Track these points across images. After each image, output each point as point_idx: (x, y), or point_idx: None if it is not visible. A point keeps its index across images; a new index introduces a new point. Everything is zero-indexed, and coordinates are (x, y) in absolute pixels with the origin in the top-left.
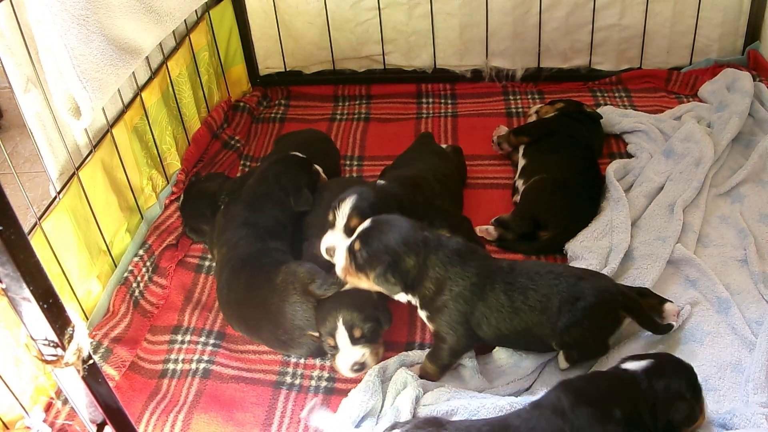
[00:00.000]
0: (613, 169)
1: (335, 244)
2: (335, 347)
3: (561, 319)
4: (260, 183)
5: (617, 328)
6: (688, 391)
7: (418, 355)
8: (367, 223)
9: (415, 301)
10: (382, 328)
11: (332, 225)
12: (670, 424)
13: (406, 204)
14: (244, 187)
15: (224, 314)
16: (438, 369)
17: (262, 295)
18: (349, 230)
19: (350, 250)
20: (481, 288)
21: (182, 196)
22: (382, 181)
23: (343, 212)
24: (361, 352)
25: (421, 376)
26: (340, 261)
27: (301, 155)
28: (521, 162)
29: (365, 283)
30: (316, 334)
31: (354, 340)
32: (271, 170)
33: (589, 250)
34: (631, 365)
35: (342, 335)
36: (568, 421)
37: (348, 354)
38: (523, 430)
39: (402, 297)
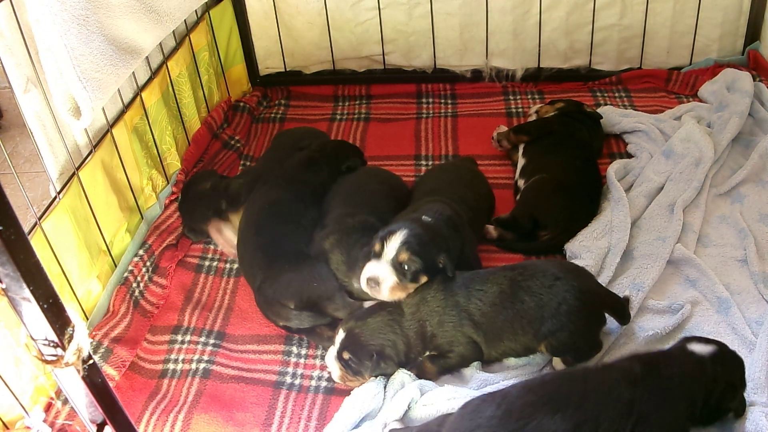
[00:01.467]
0: (614, 170)
1: (380, 274)
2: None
3: (544, 325)
4: (320, 149)
5: (603, 326)
6: (743, 382)
7: None
8: (341, 333)
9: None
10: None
11: (378, 255)
12: (719, 410)
13: (452, 245)
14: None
15: (238, 249)
16: (437, 371)
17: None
18: (396, 264)
19: (340, 359)
20: (456, 303)
21: (180, 195)
22: (427, 218)
23: (393, 245)
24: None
25: (418, 375)
26: (335, 372)
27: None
28: (521, 161)
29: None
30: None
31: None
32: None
33: (588, 249)
34: (699, 348)
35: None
36: (638, 390)
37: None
38: (591, 385)
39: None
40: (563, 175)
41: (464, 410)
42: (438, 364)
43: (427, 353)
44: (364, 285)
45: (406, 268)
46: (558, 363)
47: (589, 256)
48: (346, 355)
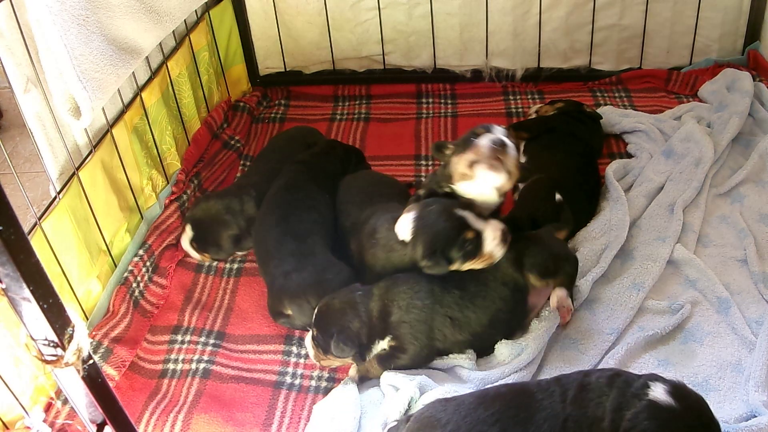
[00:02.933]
0: (612, 170)
1: (507, 139)
2: (478, 239)
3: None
4: (328, 147)
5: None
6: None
7: None
8: (315, 311)
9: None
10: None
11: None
12: None
13: None
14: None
15: (257, 230)
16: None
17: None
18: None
19: (313, 337)
20: (430, 295)
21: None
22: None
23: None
24: (494, 222)
25: (361, 376)
26: (310, 351)
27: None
28: (521, 160)
29: (338, 362)
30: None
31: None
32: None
33: (586, 249)
34: (655, 389)
35: (471, 217)
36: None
37: (491, 230)
38: (538, 405)
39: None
40: (562, 175)
41: (418, 424)
42: (384, 365)
43: (376, 351)
44: (486, 146)
45: (513, 143)
46: (555, 300)
47: (586, 252)
48: (314, 332)
